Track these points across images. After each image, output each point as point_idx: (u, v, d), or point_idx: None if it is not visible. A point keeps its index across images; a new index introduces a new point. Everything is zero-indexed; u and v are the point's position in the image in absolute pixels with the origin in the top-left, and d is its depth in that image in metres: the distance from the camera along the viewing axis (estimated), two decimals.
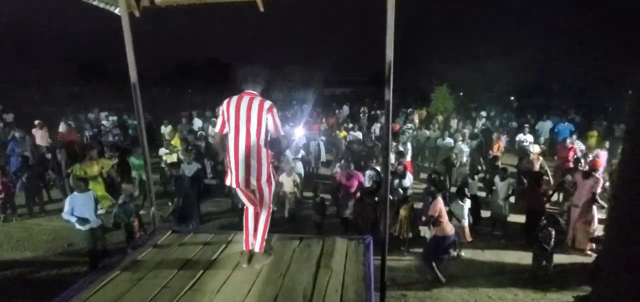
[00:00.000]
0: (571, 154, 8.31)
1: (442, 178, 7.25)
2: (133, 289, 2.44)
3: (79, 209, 5.00)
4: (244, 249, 2.77)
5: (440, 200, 5.14)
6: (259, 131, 2.53)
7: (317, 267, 2.69)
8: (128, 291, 2.41)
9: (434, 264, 5.14)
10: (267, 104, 2.56)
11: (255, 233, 2.76)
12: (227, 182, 2.67)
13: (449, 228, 5.08)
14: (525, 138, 10.09)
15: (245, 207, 2.82)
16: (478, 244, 6.05)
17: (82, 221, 4.98)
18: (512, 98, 21.80)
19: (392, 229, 5.95)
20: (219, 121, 2.65)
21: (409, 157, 8.62)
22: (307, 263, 2.75)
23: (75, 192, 5.20)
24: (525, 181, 6.57)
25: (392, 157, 7.36)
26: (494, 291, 5.00)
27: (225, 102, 2.59)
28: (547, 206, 6.25)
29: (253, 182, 2.59)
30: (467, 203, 5.74)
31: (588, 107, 18.01)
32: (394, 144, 8.86)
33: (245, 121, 2.52)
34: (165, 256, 2.91)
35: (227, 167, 2.67)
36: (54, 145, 9.41)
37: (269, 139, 2.66)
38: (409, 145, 9.31)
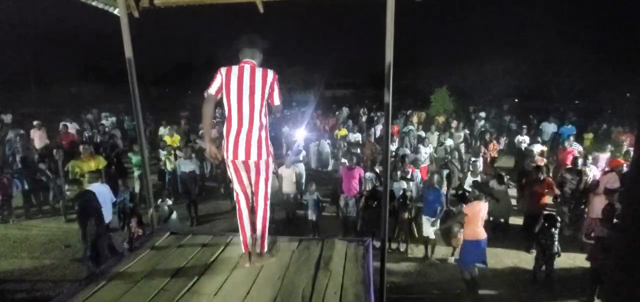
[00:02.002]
0: (569, 157, 8.33)
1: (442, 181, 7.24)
2: (130, 291, 2.41)
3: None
4: (243, 251, 2.69)
5: (478, 203, 4.93)
6: (262, 103, 2.45)
7: (316, 269, 2.67)
8: (125, 293, 2.39)
9: (469, 272, 4.89)
10: (271, 73, 2.49)
11: (253, 232, 2.66)
12: (225, 156, 2.51)
13: (482, 232, 4.85)
14: (523, 139, 10.14)
15: (238, 208, 2.70)
16: None
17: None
18: (516, 100, 21.83)
19: (394, 232, 5.96)
20: (215, 84, 2.47)
21: (426, 163, 8.50)
22: (306, 265, 2.73)
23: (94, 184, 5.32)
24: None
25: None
26: (495, 293, 4.99)
27: (224, 69, 2.46)
28: (547, 205, 6.26)
29: (253, 157, 2.47)
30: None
31: (586, 110, 18.07)
32: (420, 146, 8.88)
33: (248, 93, 2.41)
34: (163, 258, 2.89)
35: (223, 140, 2.51)
36: (52, 146, 9.38)
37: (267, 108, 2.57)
38: (428, 150, 9.19)
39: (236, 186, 2.66)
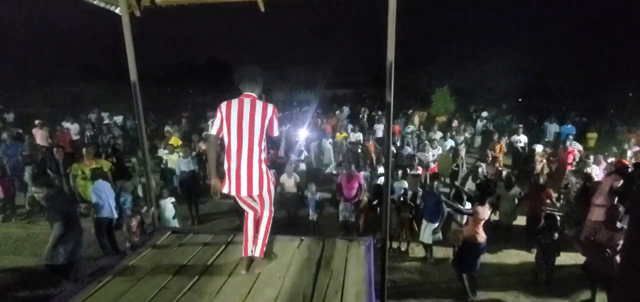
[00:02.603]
0: (570, 157, 8.32)
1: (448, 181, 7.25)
2: (131, 290, 2.42)
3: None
4: (243, 254, 2.71)
5: (486, 207, 4.86)
6: (261, 137, 2.49)
7: (318, 268, 2.67)
8: (126, 292, 2.40)
9: (464, 276, 4.85)
10: (270, 108, 2.53)
11: (255, 239, 2.70)
12: (225, 190, 2.55)
13: (482, 235, 4.79)
14: (519, 139, 10.14)
15: (245, 214, 2.77)
16: None
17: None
18: (520, 99, 21.79)
19: (394, 231, 5.95)
20: (216, 123, 2.53)
21: (433, 165, 8.51)
22: (307, 265, 2.73)
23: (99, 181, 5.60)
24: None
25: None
26: (495, 294, 4.98)
27: (224, 105, 2.50)
28: (548, 205, 6.24)
29: (255, 191, 2.53)
30: (468, 205, 5.72)
31: (588, 110, 18.02)
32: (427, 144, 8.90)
33: (248, 127, 2.45)
34: (164, 257, 2.90)
35: (225, 173, 2.56)
36: (52, 146, 9.42)
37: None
38: (435, 151, 9.16)
39: (242, 206, 2.77)
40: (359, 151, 9.93)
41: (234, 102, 2.50)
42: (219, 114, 2.52)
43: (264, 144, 2.54)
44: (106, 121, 14.42)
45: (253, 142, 2.47)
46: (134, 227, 5.19)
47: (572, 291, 5.00)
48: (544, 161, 8.20)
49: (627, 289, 2.18)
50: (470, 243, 4.76)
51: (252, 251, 2.69)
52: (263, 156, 2.55)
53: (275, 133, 2.63)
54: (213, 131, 2.55)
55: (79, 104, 22.49)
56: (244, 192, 2.52)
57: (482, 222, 4.80)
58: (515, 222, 6.64)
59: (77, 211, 4.85)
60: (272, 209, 2.76)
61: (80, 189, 6.26)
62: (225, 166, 2.55)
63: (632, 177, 5.43)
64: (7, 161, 8.62)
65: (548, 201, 6.07)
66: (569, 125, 11.83)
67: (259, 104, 2.51)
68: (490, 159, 8.46)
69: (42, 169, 7.70)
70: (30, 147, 9.17)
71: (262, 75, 2.64)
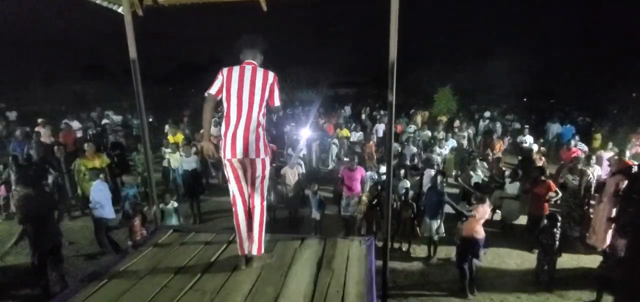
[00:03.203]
0: (572, 156, 8.28)
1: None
2: (133, 288, 2.43)
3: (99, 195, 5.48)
4: (240, 253, 2.66)
5: (485, 205, 4.87)
6: (261, 104, 2.47)
7: (319, 268, 2.67)
8: (128, 290, 2.40)
9: (464, 276, 4.84)
10: (271, 75, 2.52)
11: (249, 234, 2.63)
12: (221, 154, 2.50)
13: (481, 232, 4.83)
14: (525, 139, 10.12)
15: (234, 211, 2.64)
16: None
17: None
18: (525, 99, 21.69)
19: (397, 231, 5.94)
20: (216, 84, 2.49)
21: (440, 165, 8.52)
22: (308, 264, 2.73)
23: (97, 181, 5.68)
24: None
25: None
26: (497, 294, 4.97)
27: (225, 69, 2.49)
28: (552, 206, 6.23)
29: (251, 154, 2.47)
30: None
31: (592, 110, 17.92)
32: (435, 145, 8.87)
33: (248, 93, 2.44)
34: (165, 255, 2.90)
35: (222, 137, 2.52)
36: (54, 144, 9.46)
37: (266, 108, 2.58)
38: (442, 151, 9.09)
39: (233, 186, 2.61)
40: (360, 150, 9.93)
41: (235, 69, 2.49)
42: (219, 77, 2.50)
43: (263, 111, 2.50)
44: (105, 121, 14.42)
45: (253, 108, 2.45)
46: (136, 226, 5.21)
47: (574, 292, 4.98)
48: (543, 159, 8.18)
49: (631, 291, 2.17)
50: (469, 240, 4.80)
51: (248, 249, 2.64)
52: (263, 122, 2.52)
53: (276, 102, 2.59)
54: (212, 91, 2.50)
55: (81, 103, 22.54)
56: (239, 154, 2.45)
57: (482, 221, 4.80)
58: (516, 222, 6.63)
59: (53, 213, 4.74)
60: (265, 195, 2.65)
61: (83, 185, 6.35)
62: (223, 130, 2.50)
63: (637, 177, 5.40)
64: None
65: (551, 193, 6.02)
66: (568, 126, 11.79)
67: (260, 71, 2.50)
68: (491, 158, 8.44)
69: (44, 166, 7.73)
70: (36, 145, 9.21)
71: (264, 43, 2.62)
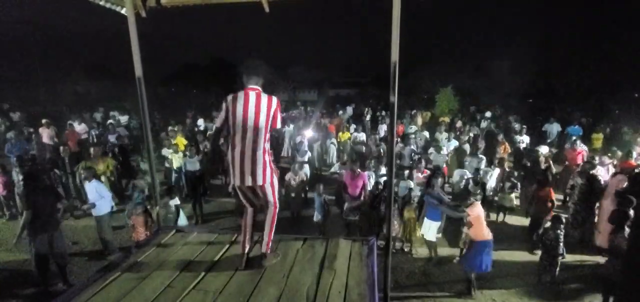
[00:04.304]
0: (579, 157, 8.27)
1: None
2: (136, 288, 2.44)
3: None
4: (241, 251, 2.73)
5: (478, 204, 4.89)
6: (266, 130, 2.54)
7: (321, 268, 2.68)
8: (131, 290, 2.41)
9: (472, 275, 4.84)
10: (274, 101, 2.59)
11: (252, 236, 2.75)
12: (230, 182, 2.62)
13: (488, 233, 4.77)
14: (522, 138, 10.08)
15: (245, 210, 2.79)
16: None
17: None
18: (530, 100, 21.65)
19: (397, 231, 5.93)
20: (221, 116, 2.60)
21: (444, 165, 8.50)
22: (311, 264, 2.74)
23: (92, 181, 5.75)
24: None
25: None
26: (498, 294, 4.96)
27: (229, 98, 2.55)
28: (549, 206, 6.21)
29: (259, 181, 2.57)
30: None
31: (593, 110, 17.87)
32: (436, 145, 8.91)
33: (253, 120, 2.50)
34: (168, 255, 2.92)
35: (228, 166, 2.62)
36: (59, 144, 9.51)
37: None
38: (444, 151, 9.11)
39: (243, 201, 2.79)
40: (363, 150, 9.92)
41: (240, 95, 2.55)
42: (224, 106, 2.57)
43: (268, 136, 2.58)
44: (110, 121, 14.49)
45: (258, 134, 2.51)
46: (140, 226, 5.24)
47: (577, 293, 4.97)
48: (550, 162, 8.14)
49: (632, 293, 2.17)
50: (477, 242, 4.75)
51: (250, 248, 2.73)
52: (268, 148, 2.60)
53: (278, 125, 2.66)
54: (217, 124, 2.65)
55: (84, 103, 22.64)
56: (248, 182, 2.55)
57: (482, 220, 4.79)
58: (518, 223, 6.62)
59: (56, 205, 4.87)
60: (277, 204, 2.77)
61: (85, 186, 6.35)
62: (229, 157, 2.58)
63: (637, 178, 5.38)
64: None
65: (549, 203, 5.99)
66: (576, 126, 11.74)
67: (264, 97, 2.56)
68: (497, 160, 8.43)
69: (49, 167, 7.78)
70: (38, 147, 9.27)
71: (267, 68, 2.68)
